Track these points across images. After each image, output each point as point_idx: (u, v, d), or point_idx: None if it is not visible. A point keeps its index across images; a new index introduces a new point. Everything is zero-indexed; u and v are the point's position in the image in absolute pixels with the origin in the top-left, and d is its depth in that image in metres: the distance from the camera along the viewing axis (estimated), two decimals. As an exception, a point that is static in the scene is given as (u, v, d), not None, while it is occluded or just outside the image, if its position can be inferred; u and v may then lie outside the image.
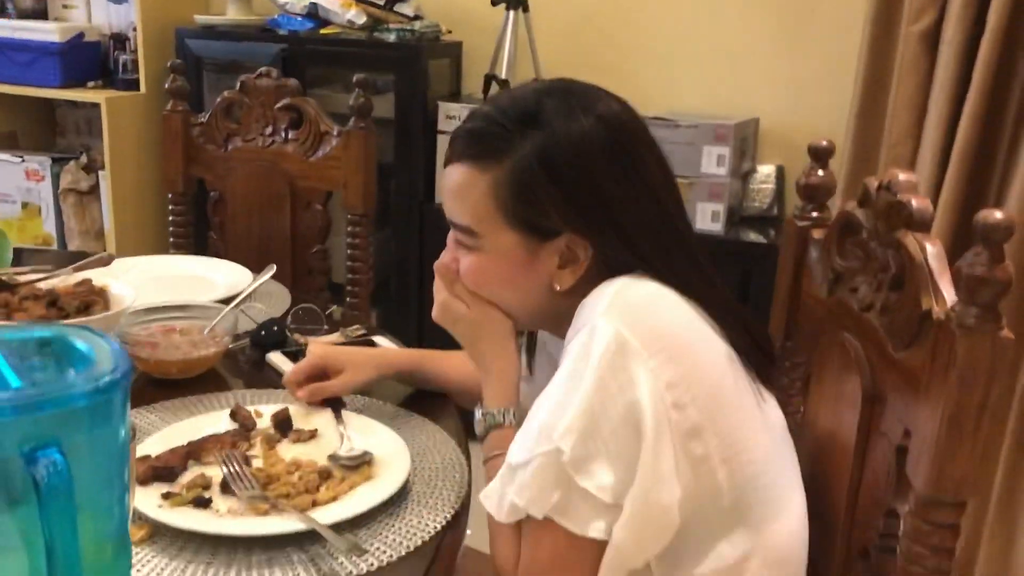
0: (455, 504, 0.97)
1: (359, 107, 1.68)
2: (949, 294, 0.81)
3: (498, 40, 2.52)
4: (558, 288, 0.93)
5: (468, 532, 1.01)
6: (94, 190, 2.86)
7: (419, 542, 0.90)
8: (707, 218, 2.36)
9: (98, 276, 1.28)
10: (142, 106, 2.76)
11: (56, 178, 2.86)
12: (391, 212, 2.62)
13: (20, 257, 1.56)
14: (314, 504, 0.93)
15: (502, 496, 0.86)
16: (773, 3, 2.48)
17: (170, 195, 1.86)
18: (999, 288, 0.76)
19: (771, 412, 0.93)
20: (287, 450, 1.05)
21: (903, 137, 1.92)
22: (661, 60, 2.57)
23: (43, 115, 3.06)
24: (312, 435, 1.08)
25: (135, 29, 2.73)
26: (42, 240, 2.90)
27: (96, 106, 2.70)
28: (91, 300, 1.20)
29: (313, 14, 2.64)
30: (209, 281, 1.54)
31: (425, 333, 2.59)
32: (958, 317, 0.77)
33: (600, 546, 0.82)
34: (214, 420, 1.09)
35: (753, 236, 2.42)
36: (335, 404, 1.13)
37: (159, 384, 1.20)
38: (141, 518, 0.89)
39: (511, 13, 2.49)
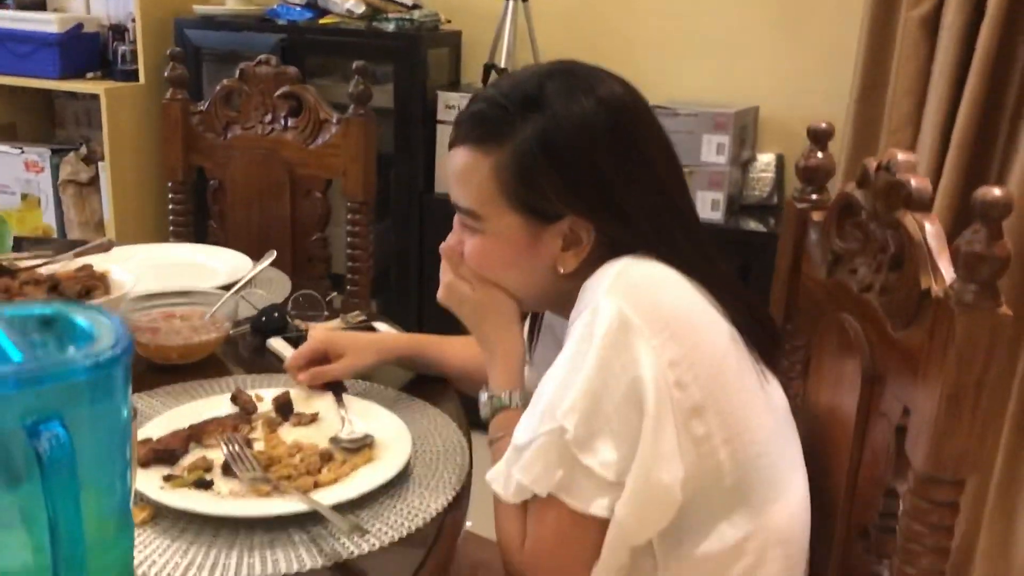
0: (456, 486, 0.97)
1: (358, 94, 1.68)
2: (948, 273, 0.82)
3: (497, 29, 2.52)
4: (562, 271, 0.93)
5: (468, 523, 1.02)
6: (94, 181, 2.85)
7: (421, 523, 0.90)
8: (707, 207, 2.36)
9: (99, 261, 1.28)
10: (141, 97, 2.75)
11: (55, 169, 2.86)
12: (391, 202, 2.62)
13: (20, 247, 1.56)
14: (316, 486, 0.93)
15: (508, 476, 0.86)
16: (772, -9, 2.48)
17: (170, 183, 1.86)
18: (997, 265, 0.76)
19: (774, 393, 0.93)
20: (288, 433, 1.05)
21: (903, 123, 1.92)
22: (660, 48, 2.57)
23: (42, 107, 3.06)
24: (313, 419, 1.08)
25: (134, 20, 2.73)
26: (42, 231, 2.90)
27: (95, 97, 2.70)
28: (92, 285, 1.21)
29: (312, 4, 2.64)
30: (209, 268, 1.55)
31: (425, 323, 2.60)
32: (956, 294, 0.78)
33: (603, 523, 0.83)
34: (215, 404, 1.09)
35: (753, 225, 2.43)
36: (336, 388, 1.14)
37: (160, 370, 1.20)
38: (143, 500, 0.89)
39: (510, 2, 2.49)
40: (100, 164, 2.80)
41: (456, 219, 0.99)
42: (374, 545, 0.86)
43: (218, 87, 1.83)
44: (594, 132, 0.90)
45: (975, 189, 0.78)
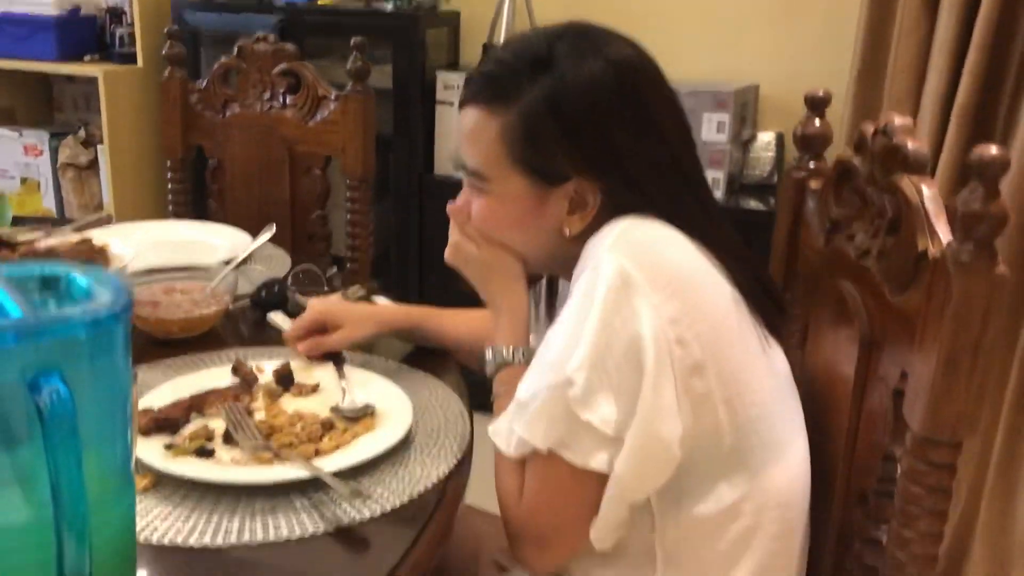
0: (458, 454, 0.97)
1: (356, 71, 1.68)
2: (945, 235, 0.82)
3: (496, 8, 2.51)
4: (568, 233, 0.93)
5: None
6: (93, 165, 2.85)
7: (422, 489, 0.90)
8: (707, 185, 2.35)
9: (98, 235, 1.29)
10: (140, 80, 2.75)
11: (54, 153, 2.86)
12: (390, 184, 2.62)
13: (19, 225, 1.57)
14: (317, 453, 0.94)
15: (510, 431, 0.87)
16: (772, -32, 2.47)
17: (169, 162, 1.86)
18: (994, 223, 0.76)
19: (776, 358, 0.94)
20: (289, 403, 1.05)
21: (903, 98, 1.92)
22: (660, 26, 2.56)
23: (40, 91, 3.06)
24: (314, 389, 1.09)
25: (131, 2, 2.72)
26: (42, 215, 2.90)
27: (93, 82, 2.70)
28: (91, 259, 1.21)
29: (310, -16, 2.63)
30: (209, 245, 1.55)
31: (426, 304, 2.60)
32: (953, 254, 0.78)
33: (602, 479, 0.83)
34: (216, 376, 1.09)
35: (753, 204, 2.42)
36: (336, 359, 1.14)
37: (160, 344, 1.21)
38: (144, 468, 0.89)
39: (509, -19, 2.48)
40: (99, 147, 2.80)
41: (464, 179, 0.99)
42: (375, 511, 0.86)
43: (216, 65, 1.83)
44: (602, 94, 0.90)
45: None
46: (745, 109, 2.46)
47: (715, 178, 2.36)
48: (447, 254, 1.02)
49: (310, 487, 0.89)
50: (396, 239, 2.65)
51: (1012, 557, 1.79)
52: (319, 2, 2.62)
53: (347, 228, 1.75)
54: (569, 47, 0.91)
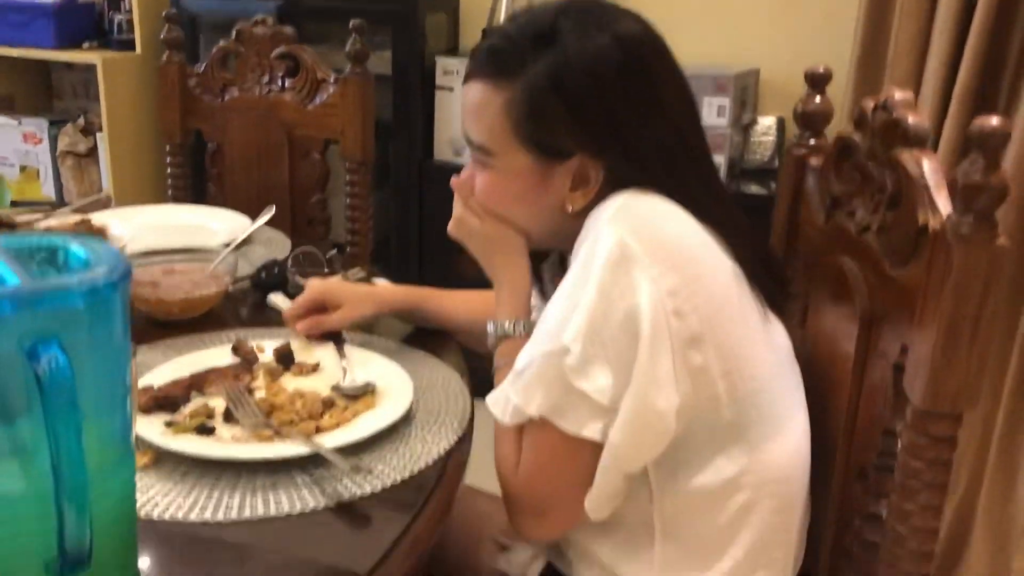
0: (459, 431, 0.97)
1: (355, 53, 1.67)
2: (945, 208, 0.82)
3: (495, -8, 2.50)
4: (570, 209, 0.93)
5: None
6: (92, 152, 2.85)
7: (423, 465, 0.91)
8: (707, 170, 2.35)
9: (97, 217, 1.29)
10: (139, 67, 2.74)
11: (54, 141, 2.85)
12: (390, 171, 2.61)
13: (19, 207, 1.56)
14: (318, 430, 0.94)
15: (507, 400, 0.87)
16: (772, -49, 2.46)
17: (168, 147, 1.85)
18: (995, 195, 0.76)
19: (777, 333, 0.94)
20: (289, 382, 1.05)
21: (904, 81, 1.91)
22: (661, 9, 2.52)
23: (39, 78, 3.05)
24: (314, 368, 1.09)
25: (129, -12, 2.72)
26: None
27: (92, 69, 2.69)
28: (91, 240, 1.20)
29: (308, -30, 2.62)
30: (209, 229, 1.55)
31: (426, 290, 2.60)
32: (953, 226, 0.78)
33: (596, 448, 0.83)
34: (216, 355, 1.09)
35: (755, 188, 2.42)
36: (335, 339, 1.14)
37: (161, 325, 1.21)
38: (144, 445, 0.89)
39: (508, -35, 2.47)
40: (98, 135, 2.79)
41: (469, 153, 0.99)
42: (376, 486, 0.87)
43: (215, 49, 1.82)
44: (606, 70, 0.89)
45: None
46: (745, 93, 2.46)
47: (715, 162, 2.35)
48: (450, 227, 1.02)
49: (311, 463, 0.89)
50: (396, 226, 2.65)
51: (1013, 540, 1.79)
52: (318, -13, 2.60)
53: (347, 212, 1.75)
54: (574, 22, 0.90)
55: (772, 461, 0.88)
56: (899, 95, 0.91)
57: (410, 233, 2.64)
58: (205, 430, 0.93)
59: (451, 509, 0.90)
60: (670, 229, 0.86)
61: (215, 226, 1.55)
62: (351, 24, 1.68)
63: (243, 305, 1.33)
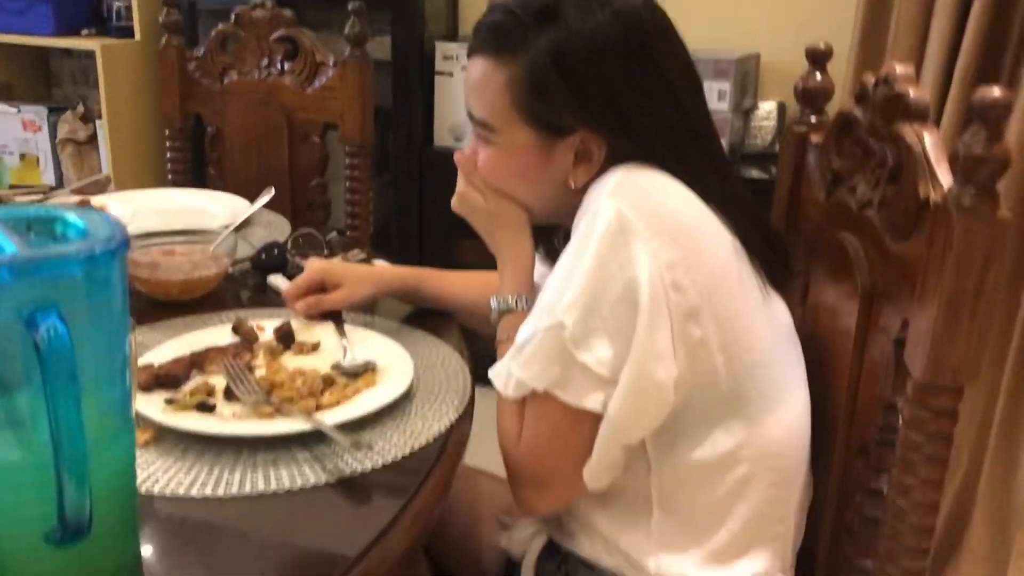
0: (459, 409, 0.97)
1: (355, 36, 1.66)
2: (947, 181, 0.81)
3: (495, -23, 2.49)
4: (572, 185, 0.93)
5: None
6: (92, 140, 2.84)
7: (423, 442, 0.91)
8: (708, 154, 2.34)
9: (97, 198, 1.28)
10: (138, 53, 2.73)
11: (53, 128, 2.85)
12: (390, 158, 2.60)
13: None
14: (318, 408, 0.94)
15: (508, 373, 0.88)
16: (773, -66, 2.45)
17: (167, 131, 1.85)
18: (997, 166, 0.75)
19: (777, 309, 0.94)
20: (290, 361, 1.05)
21: (905, 60, 1.90)
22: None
23: (37, 66, 3.04)
24: (315, 347, 1.09)
25: (128, -26, 2.71)
26: (41, 189, 2.89)
27: (91, 56, 2.68)
28: (90, 221, 1.20)
29: (307, -45, 2.60)
30: (209, 212, 1.54)
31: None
32: (954, 199, 0.77)
33: (597, 420, 0.84)
34: (217, 335, 1.09)
35: (755, 173, 2.41)
36: (335, 319, 1.14)
37: (160, 306, 1.20)
38: (145, 422, 0.89)
39: (508, -51, 2.45)
40: (98, 122, 2.78)
41: (473, 129, 0.99)
42: (377, 462, 0.86)
43: (214, 32, 1.81)
44: (608, 46, 0.89)
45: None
46: (746, 78, 2.45)
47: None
48: (453, 203, 1.02)
49: (311, 440, 0.89)
50: (396, 214, 2.64)
51: (1014, 520, 1.79)
52: (317, -28, 2.59)
53: (346, 196, 1.75)
54: None
55: (771, 435, 0.88)
56: (900, 69, 0.90)
57: (410, 221, 2.63)
58: (205, 408, 0.93)
59: (451, 486, 0.90)
60: (669, 202, 0.85)
61: (215, 209, 1.55)
62: (350, 6, 1.68)
63: (243, 287, 1.33)
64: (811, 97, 1.10)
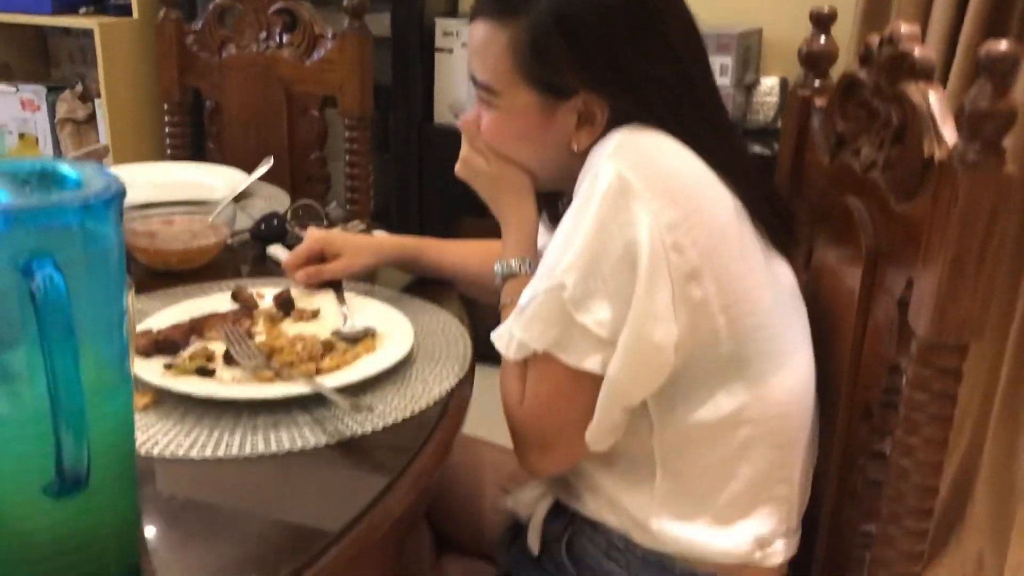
0: (459, 373, 0.97)
1: (353, 7, 1.65)
2: (952, 138, 0.80)
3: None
4: (575, 148, 0.92)
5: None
6: (91, 119, 2.83)
7: (424, 405, 0.90)
8: (710, 129, 2.33)
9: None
10: (136, 32, 2.71)
11: (52, 107, 2.83)
12: (390, 135, 2.59)
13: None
14: (318, 372, 0.93)
15: (511, 335, 0.87)
16: (775, -93, 2.43)
17: (165, 105, 1.84)
18: (1003, 121, 0.74)
19: (780, 271, 0.93)
20: (289, 328, 1.05)
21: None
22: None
23: (36, 45, 3.03)
24: (315, 315, 1.08)
25: (125, -49, 2.69)
26: (41, 169, 2.88)
27: (89, 35, 2.66)
28: (88, 190, 1.20)
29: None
30: (208, 185, 1.53)
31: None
32: (959, 154, 0.76)
33: (597, 381, 0.83)
34: (216, 302, 1.09)
35: (758, 149, 2.40)
36: (335, 287, 1.13)
37: (159, 275, 1.20)
38: (144, 385, 0.89)
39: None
40: (96, 101, 2.77)
41: (475, 93, 0.98)
42: (377, 425, 0.86)
43: (211, 5, 1.80)
44: (610, 7, 0.88)
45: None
46: (748, 53, 2.43)
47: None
48: (457, 168, 1.02)
49: (312, 403, 0.89)
50: (397, 193, 2.63)
51: (1017, 493, 1.79)
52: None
53: (346, 170, 1.74)
54: None
55: (773, 397, 0.88)
56: (905, 29, 0.89)
57: (410, 198, 2.62)
58: (205, 372, 0.92)
59: (452, 449, 0.90)
60: (670, 163, 0.85)
61: (214, 182, 1.54)
62: (348, -23, 1.66)
63: (243, 260, 1.32)
64: (815, 61, 1.09)
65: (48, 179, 0.62)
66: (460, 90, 2.53)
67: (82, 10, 2.73)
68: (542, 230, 1.03)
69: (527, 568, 1.00)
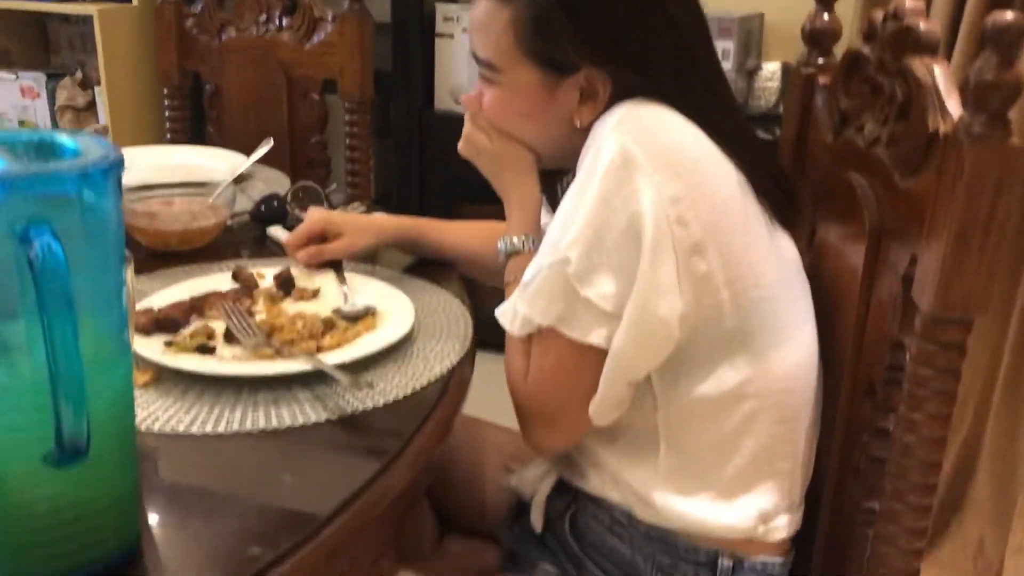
0: (460, 352, 0.96)
1: (353, -11, 1.65)
2: (956, 112, 0.80)
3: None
4: (578, 124, 0.92)
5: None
6: (91, 106, 2.82)
7: (425, 382, 0.90)
8: (711, 114, 2.32)
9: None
10: (135, 18, 2.70)
11: (52, 95, 2.82)
12: (390, 121, 2.58)
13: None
14: (319, 350, 0.93)
15: (515, 311, 0.87)
16: None
17: (165, 89, 1.83)
18: (1008, 92, 0.74)
19: (783, 245, 0.93)
20: (290, 307, 1.04)
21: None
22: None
23: (35, 32, 3.01)
24: (315, 294, 1.08)
25: (124, -64, 2.67)
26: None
27: (88, 22, 2.65)
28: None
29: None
30: (207, 168, 1.53)
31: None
32: (965, 126, 0.76)
33: (602, 355, 0.83)
34: (216, 282, 1.08)
35: (760, 134, 2.39)
36: (336, 267, 1.13)
37: (159, 256, 1.19)
38: (145, 363, 0.89)
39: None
40: (96, 88, 2.76)
41: (478, 71, 0.98)
42: (378, 401, 0.86)
43: (211, -12, 1.80)
44: None
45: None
46: (750, 37, 2.42)
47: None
48: (460, 146, 1.01)
49: (312, 380, 0.88)
50: (397, 179, 2.62)
51: (1018, 475, 1.79)
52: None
53: (346, 154, 1.73)
54: None
55: (777, 371, 0.88)
56: (910, 3, 0.89)
57: (411, 186, 2.61)
58: (206, 350, 0.92)
59: (453, 427, 0.89)
60: (673, 137, 0.84)
61: (214, 165, 1.53)
62: (348, -40, 1.65)
63: (243, 241, 1.32)
64: (818, 38, 1.08)
65: (46, 150, 0.61)
66: (461, 76, 2.52)
67: (81, -5, 2.71)
68: (543, 213, 1.03)
69: (530, 546, 1.00)
